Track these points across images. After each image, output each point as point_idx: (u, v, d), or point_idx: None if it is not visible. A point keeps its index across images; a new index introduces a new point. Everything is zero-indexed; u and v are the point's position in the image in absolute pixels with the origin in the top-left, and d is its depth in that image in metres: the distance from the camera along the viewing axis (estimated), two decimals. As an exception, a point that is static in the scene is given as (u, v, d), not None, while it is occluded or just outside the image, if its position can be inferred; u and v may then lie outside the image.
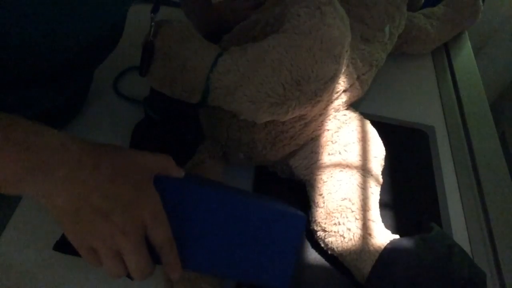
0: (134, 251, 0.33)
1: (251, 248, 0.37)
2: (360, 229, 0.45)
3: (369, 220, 0.46)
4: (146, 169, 0.35)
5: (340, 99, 0.53)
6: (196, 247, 0.36)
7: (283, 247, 0.37)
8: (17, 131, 0.31)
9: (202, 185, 0.38)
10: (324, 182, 0.49)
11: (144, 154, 0.36)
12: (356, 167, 0.50)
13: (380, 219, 0.48)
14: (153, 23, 0.46)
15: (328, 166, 0.51)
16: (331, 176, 0.49)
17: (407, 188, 0.56)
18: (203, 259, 0.37)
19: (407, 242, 0.44)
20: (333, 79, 0.44)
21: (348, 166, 0.50)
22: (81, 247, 0.34)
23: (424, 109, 0.69)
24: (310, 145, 0.52)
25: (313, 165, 0.51)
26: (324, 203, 0.48)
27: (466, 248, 0.50)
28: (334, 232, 0.46)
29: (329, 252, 0.47)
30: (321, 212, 0.48)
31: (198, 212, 0.36)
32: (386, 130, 0.57)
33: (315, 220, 0.48)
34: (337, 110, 0.54)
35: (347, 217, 0.46)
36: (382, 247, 0.44)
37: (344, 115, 0.54)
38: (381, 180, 0.51)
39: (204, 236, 0.36)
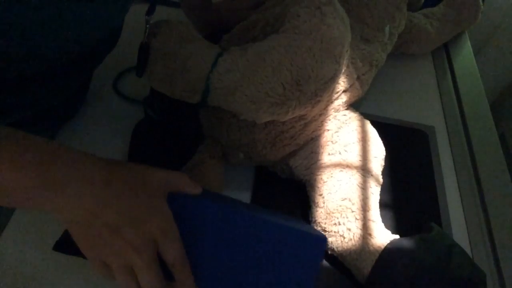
0: (145, 268, 0.33)
1: (269, 269, 0.36)
2: (360, 229, 0.45)
3: (369, 220, 0.46)
4: (159, 186, 0.35)
5: (340, 99, 0.53)
6: (211, 266, 0.36)
7: (302, 269, 0.36)
8: (29, 148, 0.31)
9: (219, 203, 0.37)
10: (324, 182, 0.49)
11: (158, 171, 0.36)
12: (356, 167, 0.50)
13: (380, 219, 0.48)
14: (148, 25, 0.46)
15: (328, 166, 0.51)
16: (331, 176, 0.49)
17: (407, 188, 0.56)
18: (218, 279, 0.36)
19: (407, 242, 0.44)
20: (333, 79, 0.44)
21: (348, 166, 0.50)
22: (94, 260, 0.34)
23: (424, 109, 0.69)
24: (310, 145, 0.52)
25: (313, 165, 0.51)
26: (324, 203, 0.48)
27: (466, 248, 0.50)
28: (334, 232, 0.46)
29: (329, 252, 0.47)
30: (321, 212, 0.48)
31: (215, 231, 0.36)
32: (386, 130, 0.57)
33: (315, 220, 0.48)
34: (337, 110, 0.54)
35: (347, 217, 0.46)
36: (382, 247, 0.44)
37: (344, 115, 0.54)
38: (381, 180, 0.51)
39: (220, 256, 0.36)
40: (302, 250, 0.36)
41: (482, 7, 0.76)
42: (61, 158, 0.32)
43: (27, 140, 0.32)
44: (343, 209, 0.46)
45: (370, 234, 0.45)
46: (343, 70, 0.49)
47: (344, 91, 0.53)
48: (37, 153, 0.31)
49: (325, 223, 0.47)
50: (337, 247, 0.46)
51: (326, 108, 0.51)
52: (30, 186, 0.30)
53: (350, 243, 0.45)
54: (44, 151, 0.32)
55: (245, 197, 0.53)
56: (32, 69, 0.42)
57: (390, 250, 0.43)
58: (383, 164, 0.53)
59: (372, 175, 0.50)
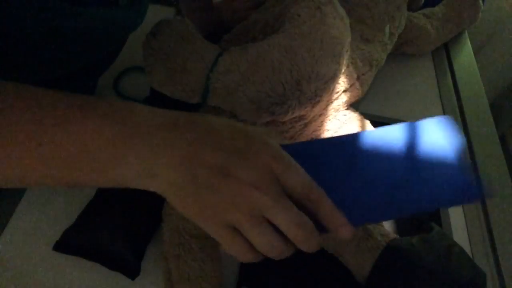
0: (277, 203, 0.26)
1: (416, 171, 0.32)
2: (360, 229, 0.45)
3: (369, 220, 0.46)
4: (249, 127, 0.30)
5: (340, 99, 0.53)
6: (362, 196, 0.31)
7: (447, 155, 0.32)
8: (100, 105, 0.28)
9: (326, 139, 0.34)
10: (324, 182, 0.49)
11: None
12: (356, 167, 0.50)
13: (380, 219, 0.48)
14: None
15: (328, 166, 0.50)
16: (331, 176, 0.49)
17: (407, 188, 0.56)
18: (373, 207, 0.31)
19: (407, 242, 0.44)
20: (333, 79, 0.44)
21: (348, 166, 0.50)
22: (217, 229, 0.27)
23: (424, 109, 0.69)
24: (310, 145, 0.52)
25: (313, 165, 0.51)
26: (324, 203, 0.48)
27: (466, 248, 0.50)
28: (334, 232, 0.46)
29: (329, 252, 0.47)
30: (321, 212, 0.48)
31: (345, 163, 0.32)
32: (386, 130, 0.57)
33: (315, 220, 0.48)
34: (337, 110, 0.54)
35: (347, 217, 0.46)
36: (382, 247, 0.44)
37: (344, 115, 0.54)
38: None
39: (362, 183, 0.31)
40: (436, 137, 0.33)
41: (482, 7, 0.76)
42: (137, 110, 0.28)
43: (87, 97, 0.28)
44: (343, 209, 0.46)
45: (370, 234, 0.45)
46: (343, 70, 0.49)
47: (344, 91, 0.53)
48: (104, 107, 0.28)
49: (325, 223, 0.47)
50: (337, 247, 0.46)
51: (326, 108, 0.51)
52: (113, 140, 0.26)
53: (350, 243, 0.45)
54: (111, 104, 0.28)
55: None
56: (40, 77, 0.43)
57: (390, 250, 0.43)
58: (383, 164, 0.53)
59: (372, 175, 0.50)
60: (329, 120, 0.53)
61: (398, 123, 0.34)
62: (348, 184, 0.31)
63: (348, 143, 0.33)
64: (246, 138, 0.28)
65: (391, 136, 0.33)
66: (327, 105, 0.51)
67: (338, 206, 0.28)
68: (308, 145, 0.33)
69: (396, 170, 0.32)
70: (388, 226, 0.49)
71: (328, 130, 0.53)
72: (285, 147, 0.30)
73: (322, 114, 0.51)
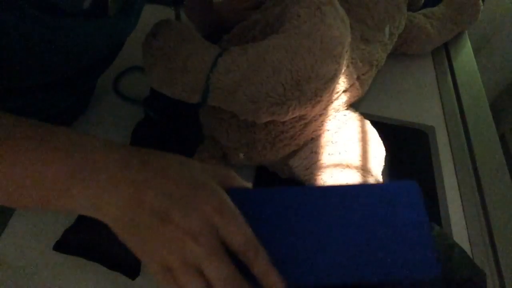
0: (209, 257, 0.27)
1: (372, 239, 0.30)
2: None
3: (369, 220, 0.46)
4: (206, 174, 0.30)
5: (340, 99, 0.53)
6: (310, 256, 0.30)
7: (409, 226, 0.30)
8: (58, 137, 0.29)
9: (285, 189, 0.32)
10: (324, 182, 0.49)
11: (202, 162, 0.32)
12: (356, 167, 0.50)
13: (380, 219, 0.48)
14: None
15: (328, 166, 0.51)
16: (331, 177, 0.49)
17: (407, 188, 0.56)
18: (319, 268, 0.29)
19: (407, 242, 0.44)
20: (333, 79, 0.44)
21: (348, 166, 0.50)
22: (153, 265, 0.28)
23: (424, 109, 0.69)
24: (310, 145, 0.52)
25: (313, 165, 0.51)
26: (324, 203, 0.48)
27: (466, 248, 0.50)
28: (334, 232, 0.46)
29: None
30: (321, 212, 0.48)
31: (301, 216, 0.30)
32: (386, 130, 0.57)
33: (315, 220, 0.48)
34: (337, 110, 0.54)
35: (347, 217, 0.46)
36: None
37: (344, 115, 0.54)
38: (381, 180, 0.51)
39: (313, 241, 0.30)
40: (399, 204, 0.31)
41: (482, 7, 0.76)
42: (91, 145, 0.29)
43: (54, 130, 0.29)
44: (343, 209, 0.46)
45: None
46: (343, 70, 0.49)
47: (344, 91, 0.53)
48: (66, 141, 0.29)
49: (325, 223, 0.47)
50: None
51: (326, 108, 0.51)
52: (61, 175, 0.27)
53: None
54: (73, 139, 0.29)
55: (245, 197, 0.53)
56: (42, 80, 0.43)
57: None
58: (383, 164, 0.53)
59: (372, 175, 0.50)
60: (329, 120, 0.53)
61: (363, 183, 0.32)
62: (297, 239, 0.30)
63: (306, 196, 0.31)
64: (194, 185, 0.28)
65: (353, 195, 0.31)
66: (327, 105, 0.51)
67: (282, 261, 0.28)
68: (265, 193, 0.32)
69: (351, 233, 0.30)
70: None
71: (328, 130, 0.53)
72: (239, 191, 0.30)
73: (322, 114, 0.51)
